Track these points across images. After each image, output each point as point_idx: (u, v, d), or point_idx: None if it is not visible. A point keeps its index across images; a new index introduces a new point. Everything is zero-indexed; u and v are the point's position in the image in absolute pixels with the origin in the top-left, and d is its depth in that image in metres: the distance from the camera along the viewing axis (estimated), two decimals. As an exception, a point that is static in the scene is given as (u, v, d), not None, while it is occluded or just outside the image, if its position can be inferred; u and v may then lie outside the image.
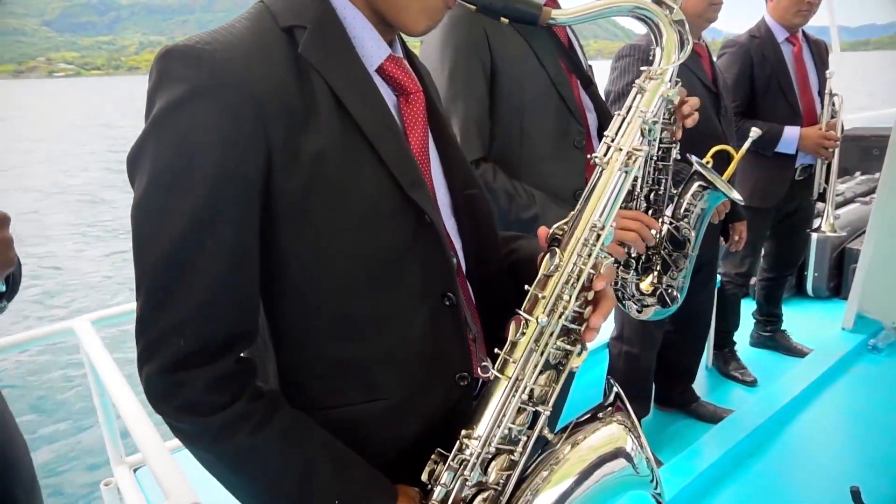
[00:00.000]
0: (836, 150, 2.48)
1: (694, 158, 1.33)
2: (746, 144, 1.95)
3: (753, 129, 1.95)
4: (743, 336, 3.02)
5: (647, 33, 0.80)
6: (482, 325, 0.84)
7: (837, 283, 3.53)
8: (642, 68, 0.77)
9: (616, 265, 1.33)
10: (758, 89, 2.43)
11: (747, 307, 3.02)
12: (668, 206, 1.32)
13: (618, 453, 0.76)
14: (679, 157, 1.31)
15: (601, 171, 0.76)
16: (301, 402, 0.73)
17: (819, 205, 2.63)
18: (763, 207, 2.54)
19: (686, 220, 1.30)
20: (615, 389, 0.79)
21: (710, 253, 2.20)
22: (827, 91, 2.45)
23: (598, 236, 0.75)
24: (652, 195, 1.31)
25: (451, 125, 0.87)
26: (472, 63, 1.21)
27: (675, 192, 1.33)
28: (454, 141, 0.84)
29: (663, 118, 1.28)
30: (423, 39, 1.27)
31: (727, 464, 2.12)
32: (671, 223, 1.31)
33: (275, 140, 0.64)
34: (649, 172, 1.30)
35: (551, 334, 0.74)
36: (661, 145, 1.30)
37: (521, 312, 0.74)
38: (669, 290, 1.32)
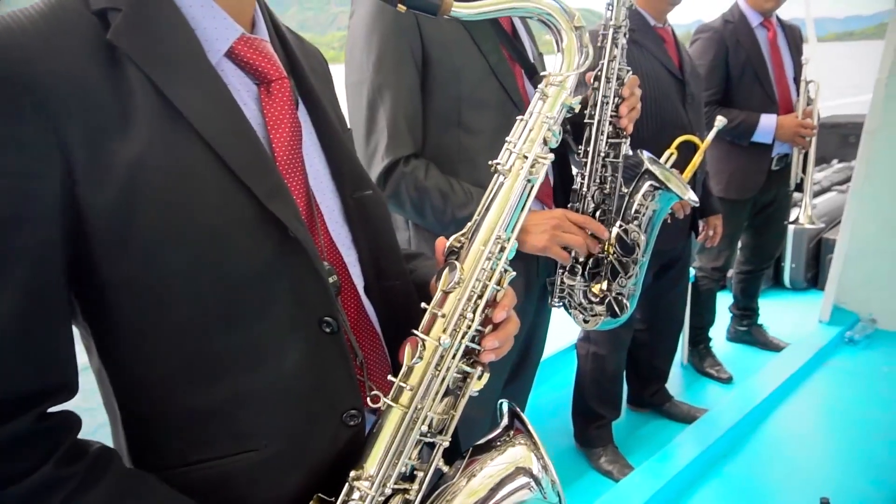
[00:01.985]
0: (813, 139, 2.41)
1: (645, 154, 1.21)
2: (711, 134, 1.87)
3: (718, 118, 1.86)
4: (720, 329, 2.97)
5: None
6: (387, 346, 0.76)
7: (815, 274, 3.50)
8: (543, 73, 0.74)
9: (561, 270, 1.22)
10: (733, 76, 2.35)
11: (724, 300, 2.97)
12: (618, 206, 1.22)
13: (521, 479, 0.71)
14: (630, 153, 1.20)
15: (502, 180, 0.71)
16: (153, 462, 0.62)
17: (796, 195, 2.57)
18: (740, 199, 2.47)
19: (636, 222, 1.19)
20: (510, 409, 0.75)
21: (680, 248, 2.12)
22: (803, 78, 2.37)
23: (503, 248, 0.71)
24: (600, 194, 1.20)
25: (335, 117, 0.76)
26: (401, 50, 1.11)
27: (625, 190, 1.22)
28: (340, 136, 0.74)
29: (611, 112, 1.17)
30: (350, 28, 1.15)
31: (702, 465, 2.06)
32: (620, 226, 1.20)
33: (73, 145, 0.53)
34: (597, 170, 1.19)
35: (453, 356, 0.68)
36: (609, 140, 1.19)
37: (418, 333, 0.67)
38: (619, 299, 1.22)
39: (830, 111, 4.78)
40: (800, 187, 2.49)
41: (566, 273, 1.22)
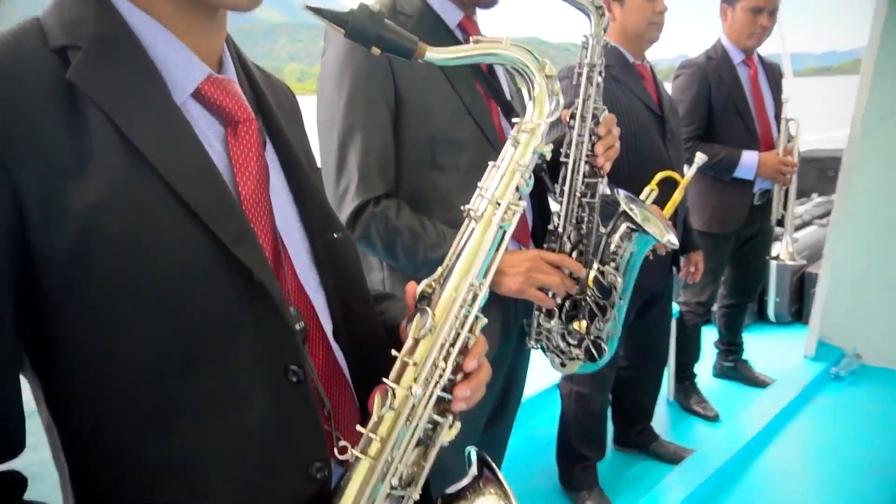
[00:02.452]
0: (794, 176, 2.42)
1: (622, 194, 1.18)
2: (692, 171, 1.86)
3: (698, 154, 1.86)
4: (706, 366, 2.94)
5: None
6: (357, 394, 0.73)
7: (799, 308, 3.51)
8: (514, 120, 0.73)
9: (538, 312, 1.18)
10: (715, 112, 2.36)
11: (709, 335, 2.95)
12: (595, 247, 1.18)
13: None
14: (608, 192, 1.17)
15: (474, 225, 0.70)
16: None
17: (778, 229, 2.57)
18: (722, 234, 2.46)
19: (613, 264, 1.15)
20: (479, 456, 0.74)
21: (662, 285, 2.09)
22: (783, 116, 2.40)
23: (475, 296, 0.69)
24: (576, 235, 1.17)
25: (304, 156, 0.74)
26: (373, 90, 1.09)
27: (603, 230, 1.18)
28: (308, 176, 0.72)
29: (587, 151, 1.14)
30: (322, 65, 1.12)
31: (690, 508, 2.01)
32: (597, 268, 1.16)
33: (25, 187, 0.50)
34: (573, 210, 1.16)
35: (424, 406, 0.66)
36: (585, 179, 1.15)
37: (388, 382, 0.65)
38: (597, 342, 1.17)
39: (809, 145, 4.86)
40: (780, 223, 2.49)
41: (542, 315, 1.17)
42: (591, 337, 1.17)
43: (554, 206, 1.22)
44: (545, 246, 1.19)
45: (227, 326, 0.58)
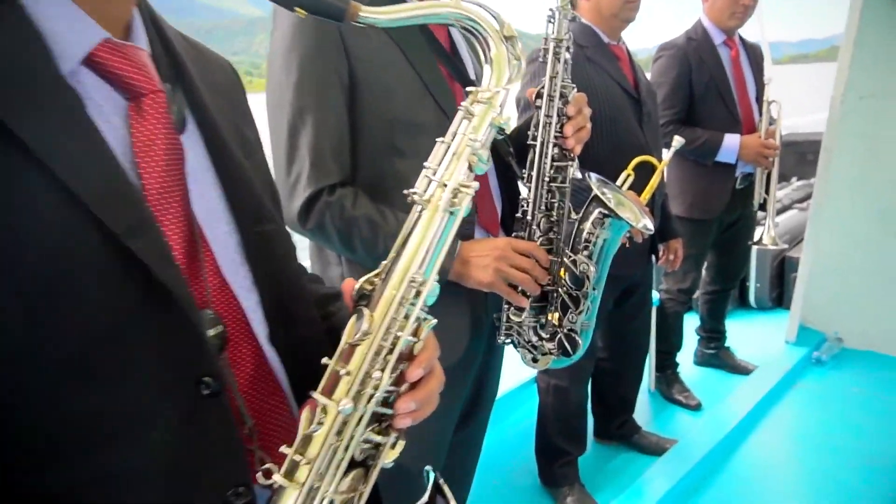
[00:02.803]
0: (776, 159, 2.36)
1: (594, 178, 1.10)
2: (669, 154, 1.80)
3: (676, 137, 1.79)
4: (688, 354, 2.90)
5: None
6: (297, 404, 0.66)
7: (780, 293, 3.49)
8: (469, 88, 0.66)
9: (507, 305, 1.10)
10: (696, 95, 2.29)
11: (691, 322, 2.90)
12: (567, 235, 1.10)
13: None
14: (580, 176, 1.09)
15: (420, 212, 0.62)
16: None
17: (760, 213, 2.52)
18: (704, 219, 2.40)
19: (586, 252, 1.07)
20: (433, 480, 0.69)
21: (641, 273, 2.02)
22: (765, 98, 2.33)
23: (419, 293, 0.61)
24: (546, 222, 1.09)
25: (236, 138, 0.65)
26: (324, 69, 0.99)
27: (575, 217, 1.10)
28: (238, 161, 0.64)
29: (555, 133, 1.05)
30: (271, 45, 1.02)
31: (673, 500, 1.96)
32: (568, 256, 1.08)
33: None
34: (542, 196, 1.07)
35: (358, 423, 0.58)
36: (554, 163, 1.07)
37: (316, 395, 0.57)
38: (570, 335, 1.09)
39: (789, 129, 4.84)
40: (763, 207, 2.44)
41: (512, 308, 1.09)
42: (565, 330, 1.09)
43: (524, 191, 1.13)
44: (513, 234, 1.10)
45: (126, 332, 0.50)
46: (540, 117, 1.06)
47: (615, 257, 1.87)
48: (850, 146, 2.61)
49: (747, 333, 3.19)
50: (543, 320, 1.12)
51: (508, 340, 1.13)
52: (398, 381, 0.62)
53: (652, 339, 2.56)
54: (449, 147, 0.64)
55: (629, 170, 1.79)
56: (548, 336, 1.12)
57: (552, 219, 1.09)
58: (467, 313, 1.12)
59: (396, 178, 1.05)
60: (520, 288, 1.05)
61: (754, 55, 2.44)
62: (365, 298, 0.62)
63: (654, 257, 2.06)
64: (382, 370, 0.59)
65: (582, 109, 1.08)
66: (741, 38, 2.42)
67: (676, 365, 2.69)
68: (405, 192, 0.63)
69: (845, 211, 2.74)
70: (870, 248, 2.76)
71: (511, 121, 0.72)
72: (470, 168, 0.63)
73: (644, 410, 2.55)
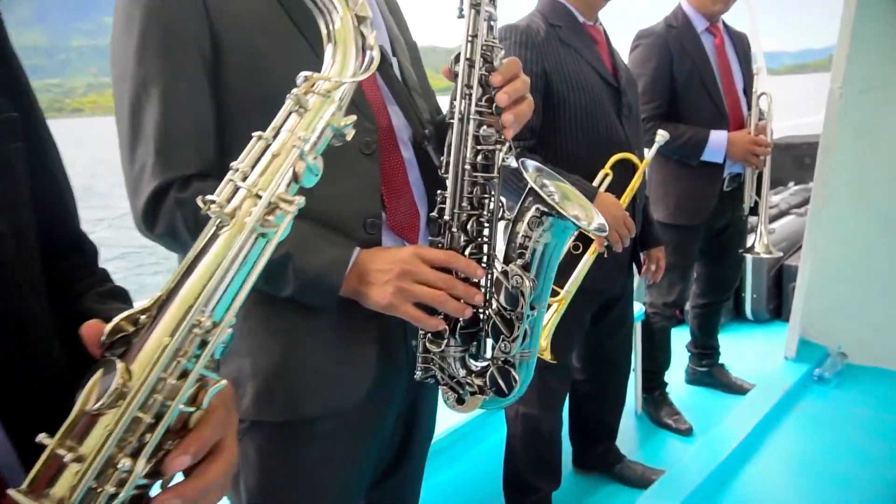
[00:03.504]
0: (768, 158, 2.15)
1: (531, 165, 0.86)
2: (652, 151, 1.60)
3: (660, 132, 1.59)
4: (678, 371, 2.69)
5: None
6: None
7: (778, 305, 3.31)
8: (305, 74, 0.54)
9: (423, 336, 0.87)
10: (678, 87, 2.09)
11: (681, 337, 2.69)
12: (496, 239, 0.88)
13: None
14: (513, 164, 0.86)
15: (217, 229, 0.47)
16: None
17: (752, 219, 2.30)
18: (690, 225, 2.20)
19: (521, 260, 0.84)
20: None
21: (620, 286, 1.80)
22: (754, 90, 2.13)
23: (204, 343, 0.45)
24: (472, 223, 0.86)
25: None
26: (174, 30, 0.78)
27: (508, 217, 0.88)
28: None
29: (477, 106, 0.83)
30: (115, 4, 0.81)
31: (659, 542, 1.74)
32: (501, 268, 0.85)
33: None
34: (463, 188, 0.85)
35: None
36: (480, 148, 0.84)
37: (15, 495, 0.39)
38: (505, 369, 0.86)
39: (784, 132, 4.65)
40: (754, 211, 2.22)
41: (429, 336, 0.86)
42: (498, 362, 0.86)
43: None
44: (429, 239, 0.88)
45: None
46: (458, 88, 0.83)
47: (591, 270, 1.68)
48: (849, 144, 2.40)
49: (743, 349, 2.99)
50: (473, 349, 0.89)
51: (426, 376, 0.89)
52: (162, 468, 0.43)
53: (637, 357, 2.35)
54: (269, 147, 0.49)
55: (607, 168, 1.59)
56: (478, 369, 0.89)
57: (480, 219, 0.86)
58: (375, 342, 0.90)
59: None
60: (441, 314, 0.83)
61: (740, 43, 2.24)
62: (122, 344, 0.44)
63: (635, 268, 1.85)
64: (135, 456, 0.41)
65: (517, 75, 0.85)
66: (726, 26, 2.22)
67: (665, 385, 2.48)
68: (199, 199, 0.47)
69: (846, 214, 2.53)
70: (874, 254, 2.55)
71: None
72: (295, 178, 0.48)
73: (629, 437, 2.34)
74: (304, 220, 0.84)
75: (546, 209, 0.81)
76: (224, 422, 0.46)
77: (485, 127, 0.83)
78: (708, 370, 2.66)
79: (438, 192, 0.86)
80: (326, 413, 0.88)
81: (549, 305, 1.60)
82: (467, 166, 0.83)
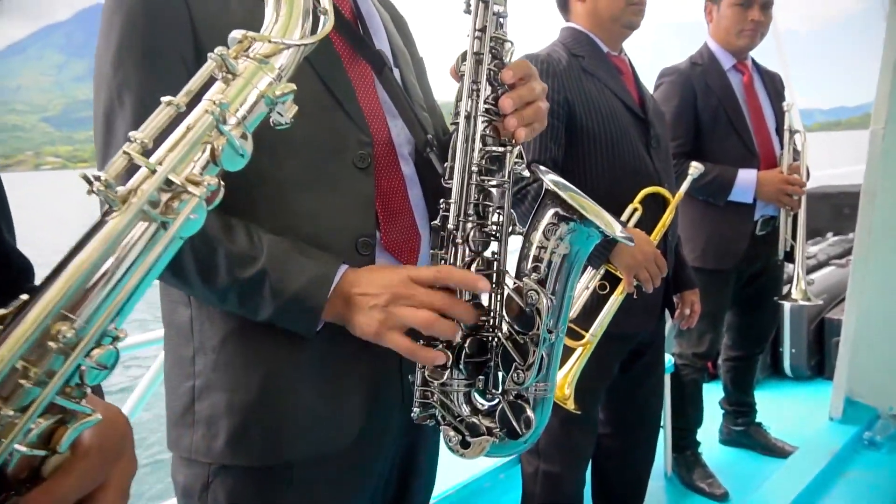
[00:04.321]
0: (803, 200, 2.03)
1: (542, 169, 0.77)
2: (685, 184, 1.50)
3: (693, 164, 1.49)
4: (712, 430, 2.51)
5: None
6: None
7: (820, 361, 3.11)
8: (240, 32, 0.47)
9: (422, 367, 0.77)
10: (703, 124, 2.01)
11: (715, 393, 2.52)
12: (506, 252, 0.78)
13: None
14: (526, 173, 0.77)
15: (106, 212, 0.38)
16: None
17: (788, 266, 2.16)
18: (720, 269, 2.07)
19: (536, 274, 0.73)
20: None
21: (652, 331, 1.67)
22: (787, 128, 2.03)
23: (81, 371, 0.35)
24: (479, 235, 0.76)
25: None
26: (155, 37, 0.74)
27: (520, 231, 0.78)
28: None
29: (485, 104, 0.74)
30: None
31: None
32: (513, 284, 0.74)
33: None
34: (469, 197, 0.74)
35: None
36: (486, 151, 0.76)
37: None
38: (518, 406, 0.74)
39: (821, 181, 4.50)
40: (790, 258, 2.09)
41: (428, 367, 0.75)
42: (509, 396, 0.75)
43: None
44: (431, 252, 0.79)
45: None
46: (464, 85, 0.76)
47: (619, 311, 1.56)
48: (894, 188, 2.27)
49: (782, 407, 2.79)
50: (480, 384, 0.78)
51: (425, 415, 0.78)
52: None
53: (667, 412, 2.18)
54: (180, 113, 0.41)
55: (636, 203, 1.49)
56: (485, 409, 0.78)
57: (486, 230, 0.77)
58: (364, 375, 0.80)
59: (263, 184, 0.76)
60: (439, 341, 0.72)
61: (772, 82, 2.17)
62: None
63: (667, 311, 1.72)
64: None
65: (530, 74, 0.77)
66: (756, 64, 2.15)
67: (697, 444, 2.29)
68: (82, 174, 0.38)
69: (893, 262, 2.36)
70: (925, 305, 2.37)
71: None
72: (213, 158, 0.39)
73: (658, 500, 2.17)
74: (287, 236, 0.76)
75: (566, 213, 0.71)
76: (97, 469, 0.36)
77: (492, 127, 0.74)
78: (744, 429, 2.46)
79: (442, 199, 0.77)
80: (309, 457, 0.79)
81: (573, 350, 1.48)
82: (474, 169, 0.74)
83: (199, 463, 0.79)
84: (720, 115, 2.00)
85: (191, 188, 0.37)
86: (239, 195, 0.76)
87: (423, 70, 1.00)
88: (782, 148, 2.05)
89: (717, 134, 2.01)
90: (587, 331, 1.46)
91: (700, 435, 2.32)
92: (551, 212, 0.73)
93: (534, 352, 0.73)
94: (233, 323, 0.78)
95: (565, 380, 1.43)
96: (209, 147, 0.39)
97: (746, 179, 1.97)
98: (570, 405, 1.40)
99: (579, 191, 0.79)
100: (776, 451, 2.40)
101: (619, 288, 1.47)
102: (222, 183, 0.41)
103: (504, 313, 0.75)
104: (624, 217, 1.50)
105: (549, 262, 0.73)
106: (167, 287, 0.83)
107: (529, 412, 0.75)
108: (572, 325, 1.45)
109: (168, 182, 0.37)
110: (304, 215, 0.77)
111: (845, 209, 4.04)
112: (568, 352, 1.46)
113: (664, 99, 2.03)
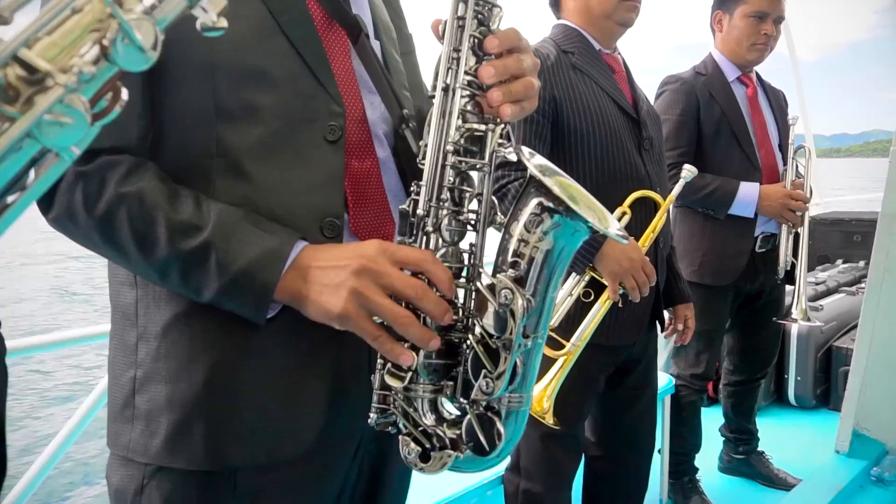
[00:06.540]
0: (806, 219, 1.96)
1: (525, 152, 0.68)
2: (677, 188, 1.44)
3: (686, 166, 1.43)
4: (711, 457, 2.40)
5: None
6: None
7: (826, 390, 3.00)
8: None
9: (381, 363, 0.68)
10: (705, 135, 1.96)
11: (714, 419, 2.42)
12: (482, 244, 0.70)
13: None
14: (511, 157, 0.70)
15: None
16: None
17: (789, 288, 2.08)
18: (717, 286, 1.98)
19: (515, 270, 0.66)
20: None
21: (642, 345, 1.60)
22: (790, 142, 1.98)
23: None
24: (454, 223, 0.69)
25: None
26: None
27: (501, 220, 0.70)
28: None
29: (465, 75, 0.68)
30: None
31: None
32: (486, 280, 0.66)
33: None
34: (441, 178, 0.66)
35: None
36: (465, 129, 0.66)
37: None
38: (486, 419, 0.66)
39: (830, 207, 4.41)
40: (790, 278, 2.01)
41: (389, 367, 0.68)
42: (478, 408, 0.67)
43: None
44: (398, 240, 0.71)
45: None
46: (443, 53, 0.68)
47: (604, 323, 1.48)
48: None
49: (785, 437, 2.68)
50: (449, 391, 0.70)
51: (384, 421, 0.70)
52: None
53: (665, 436, 2.08)
54: None
55: (625, 206, 1.43)
56: (452, 417, 0.69)
57: (461, 217, 0.70)
58: (328, 369, 0.72)
59: (220, 154, 0.69)
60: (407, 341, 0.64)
61: (776, 97, 2.11)
62: None
63: (658, 326, 1.64)
64: None
65: (519, 44, 0.69)
66: (760, 79, 2.10)
67: (695, 470, 2.20)
68: None
69: (909, 289, 2.27)
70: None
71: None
72: (104, 54, 0.31)
73: (651, 529, 2.04)
74: (241, 208, 0.70)
75: (551, 203, 0.64)
76: None
77: (473, 101, 0.67)
78: (745, 458, 2.35)
79: (414, 182, 0.69)
80: (258, 463, 0.70)
81: (554, 360, 1.40)
82: (449, 148, 0.66)
83: (135, 463, 0.71)
84: (723, 126, 1.95)
85: (59, 77, 0.29)
86: (192, 165, 0.70)
87: (410, 48, 0.92)
88: (785, 164, 1.99)
89: (719, 145, 1.95)
90: (569, 340, 1.38)
91: (699, 462, 2.23)
92: (535, 201, 0.65)
93: (506, 358, 0.65)
94: (179, 307, 0.70)
95: (544, 392, 1.35)
96: (97, 41, 0.30)
97: (749, 193, 1.91)
98: (549, 419, 1.32)
99: (569, 177, 0.71)
100: (778, 482, 2.29)
101: (604, 296, 1.40)
102: (123, 89, 0.34)
103: (476, 313, 0.67)
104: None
105: (530, 259, 0.65)
106: (115, 266, 0.77)
107: (500, 425, 0.66)
108: (553, 334, 1.38)
109: (26, 66, 0.29)
110: (264, 188, 0.69)
111: (856, 236, 3.94)
112: (548, 363, 1.38)
113: (666, 106, 1.98)
